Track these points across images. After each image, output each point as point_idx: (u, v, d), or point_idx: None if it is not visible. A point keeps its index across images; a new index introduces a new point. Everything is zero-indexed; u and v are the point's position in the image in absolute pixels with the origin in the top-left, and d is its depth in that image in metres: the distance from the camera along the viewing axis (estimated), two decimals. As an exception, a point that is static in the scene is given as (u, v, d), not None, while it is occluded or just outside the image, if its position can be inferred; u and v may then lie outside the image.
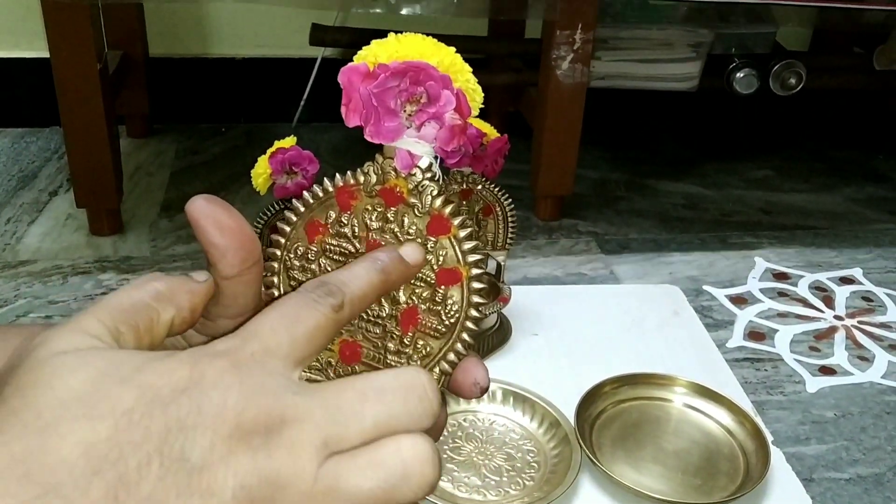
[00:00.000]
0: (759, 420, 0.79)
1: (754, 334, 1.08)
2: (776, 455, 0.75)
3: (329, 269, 0.39)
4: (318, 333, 0.32)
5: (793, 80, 1.30)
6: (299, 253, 0.39)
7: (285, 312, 0.32)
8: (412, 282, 0.37)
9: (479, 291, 0.36)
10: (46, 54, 1.07)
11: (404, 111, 0.38)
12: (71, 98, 1.09)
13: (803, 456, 0.87)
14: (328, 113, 1.54)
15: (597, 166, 1.48)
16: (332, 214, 0.38)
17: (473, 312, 0.36)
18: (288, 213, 0.40)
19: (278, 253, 0.39)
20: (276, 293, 0.39)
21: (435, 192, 0.37)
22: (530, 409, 0.78)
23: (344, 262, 0.38)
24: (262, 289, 0.39)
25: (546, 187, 1.26)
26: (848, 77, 1.44)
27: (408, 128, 0.38)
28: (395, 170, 0.38)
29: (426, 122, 0.38)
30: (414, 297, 0.37)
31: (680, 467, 0.74)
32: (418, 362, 0.38)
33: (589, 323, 0.90)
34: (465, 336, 0.36)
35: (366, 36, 1.51)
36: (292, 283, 0.39)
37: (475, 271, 0.36)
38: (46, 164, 1.41)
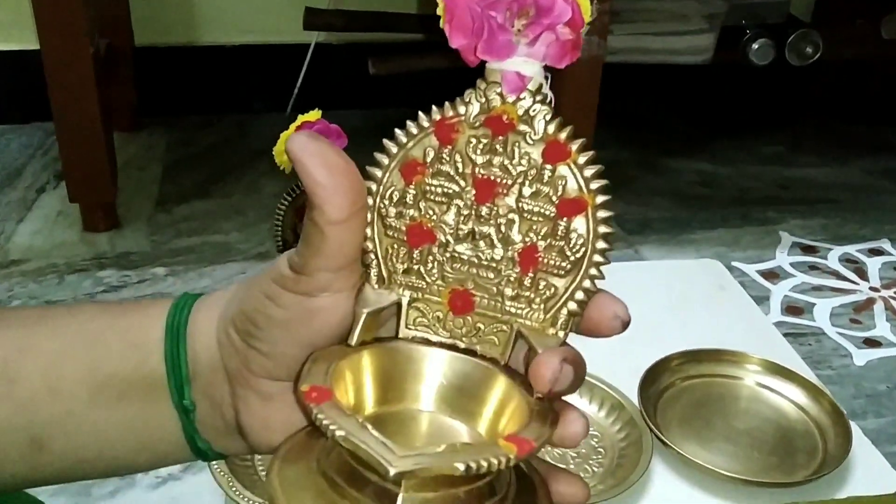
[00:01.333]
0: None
1: (792, 309, 1.04)
2: (854, 431, 0.71)
3: (432, 212, 0.33)
4: None
5: (809, 50, 1.27)
6: (395, 199, 0.34)
7: None
8: (529, 217, 0.33)
9: (606, 220, 0.32)
10: (25, 47, 1.00)
11: (513, 26, 0.33)
12: (62, 85, 1.02)
13: (862, 430, 0.83)
14: (324, 100, 1.48)
15: (606, 146, 1.43)
16: (431, 152, 0.33)
17: (602, 244, 0.32)
18: (379, 156, 0.34)
19: (370, 201, 0.34)
20: (370, 245, 0.34)
21: (549, 116, 0.33)
22: (588, 391, 0.73)
23: (448, 204, 0.33)
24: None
25: (561, 167, 1.21)
26: (861, 47, 1.41)
27: (517, 45, 0.33)
28: (500, 95, 0.33)
29: (540, 35, 0.33)
30: (532, 234, 0.33)
31: (754, 446, 0.69)
32: (541, 305, 0.33)
33: (633, 301, 0.84)
34: (593, 271, 0.32)
35: (363, 18, 1.46)
36: (388, 232, 0.34)
37: (601, 198, 0.32)
38: (31, 161, 1.33)
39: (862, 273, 1.12)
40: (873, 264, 1.14)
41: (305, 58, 1.46)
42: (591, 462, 0.67)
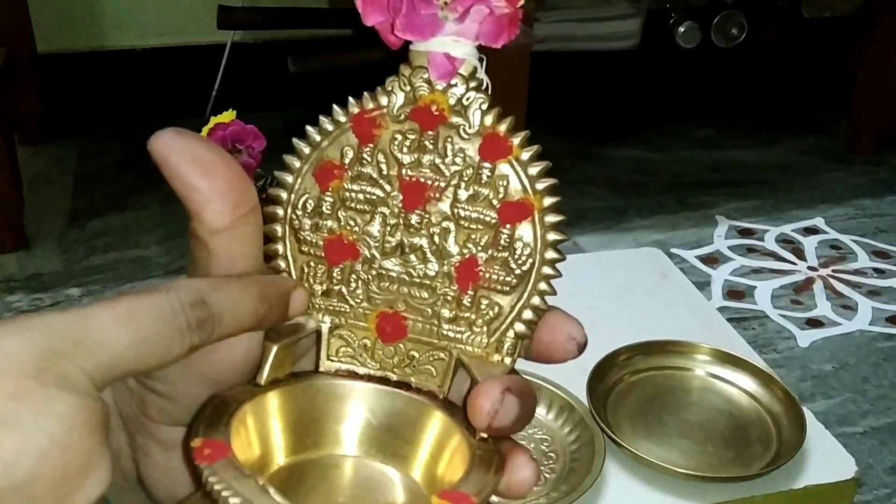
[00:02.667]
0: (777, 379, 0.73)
1: (733, 293, 1.03)
2: (806, 416, 0.69)
3: (353, 222, 0.29)
4: (155, 357, 0.23)
5: (735, 31, 1.26)
6: (309, 208, 0.29)
7: (139, 316, 0.23)
8: (466, 225, 0.28)
9: (556, 226, 0.28)
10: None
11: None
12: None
13: (812, 413, 0.82)
14: (244, 101, 1.41)
15: (538, 138, 1.40)
16: (350, 152, 0.29)
17: (551, 254, 0.28)
18: (289, 158, 0.29)
19: (280, 212, 0.29)
20: (283, 264, 0.29)
21: (485, 105, 0.28)
22: (535, 392, 0.69)
23: (372, 213, 0.29)
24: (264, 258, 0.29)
25: (493, 161, 1.18)
26: (784, 27, 1.41)
27: (444, 21, 0.29)
28: (428, 82, 0.28)
29: (470, 8, 0.29)
30: (470, 245, 0.29)
31: (709, 439, 0.67)
32: (484, 328, 0.29)
33: (574, 295, 0.82)
34: (542, 286, 0.28)
35: (279, 15, 1.41)
36: (303, 248, 0.29)
37: (549, 200, 0.28)
38: (-72, 181, 1.24)
39: (799, 253, 1.12)
40: (809, 243, 1.14)
41: (222, 59, 1.40)
42: (542, 468, 0.64)
